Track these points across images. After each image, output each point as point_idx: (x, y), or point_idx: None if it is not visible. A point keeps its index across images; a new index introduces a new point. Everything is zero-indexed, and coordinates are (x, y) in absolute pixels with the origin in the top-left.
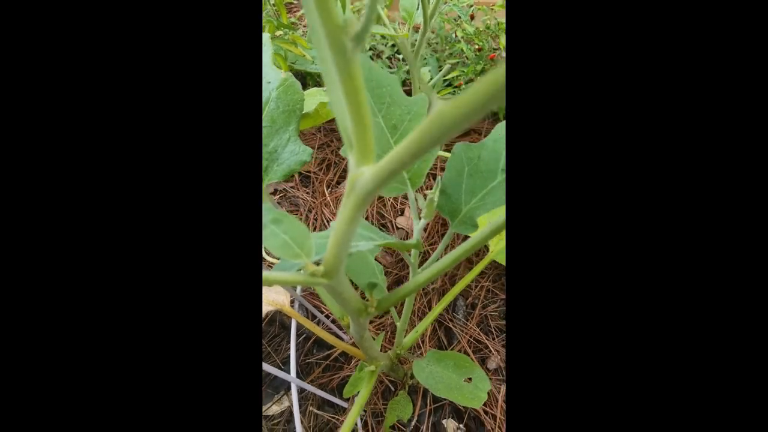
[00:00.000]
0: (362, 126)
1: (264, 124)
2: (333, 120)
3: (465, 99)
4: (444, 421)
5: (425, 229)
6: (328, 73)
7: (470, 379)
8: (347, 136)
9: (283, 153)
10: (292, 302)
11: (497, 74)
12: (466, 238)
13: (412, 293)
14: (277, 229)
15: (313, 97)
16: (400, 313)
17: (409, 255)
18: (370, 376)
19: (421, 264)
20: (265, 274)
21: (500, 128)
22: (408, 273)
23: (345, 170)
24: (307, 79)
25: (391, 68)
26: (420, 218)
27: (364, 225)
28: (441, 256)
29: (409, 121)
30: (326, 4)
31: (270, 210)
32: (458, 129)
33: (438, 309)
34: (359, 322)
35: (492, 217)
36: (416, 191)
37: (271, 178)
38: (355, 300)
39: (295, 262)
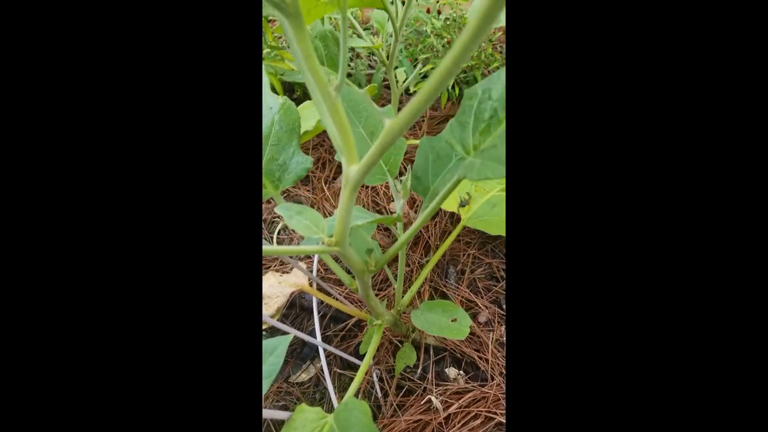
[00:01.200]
0: (347, 140)
1: (272, 142)
2: None
3: (402, 116)
4: (446, 370)
5: (422, 218)
6: (319, 105)
7: (455, 319)
8: (338, 146)
9: (291, 163)
10: (310, 283)
11: (422, 93)
12: (456, 218)
13: (399, 250)
14: (301, 218)
15: (308, 109)
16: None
17: (396, 227)
18: (378, 329)
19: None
20: (295, 247)
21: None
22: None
23: (339, 167)
24: (296, 87)
25: (371, 67)
26: (400, 199)
27: (359, 209)
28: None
29: (381, 128)
30: (316, 69)
31: (293, 206)
32: (402, 132)
33: (428, 267)
34: (363, 280)
35: (458, 190)
36: (394, 178)
37: (284, 184)
38: (359, 261)
39: (315, 237)
